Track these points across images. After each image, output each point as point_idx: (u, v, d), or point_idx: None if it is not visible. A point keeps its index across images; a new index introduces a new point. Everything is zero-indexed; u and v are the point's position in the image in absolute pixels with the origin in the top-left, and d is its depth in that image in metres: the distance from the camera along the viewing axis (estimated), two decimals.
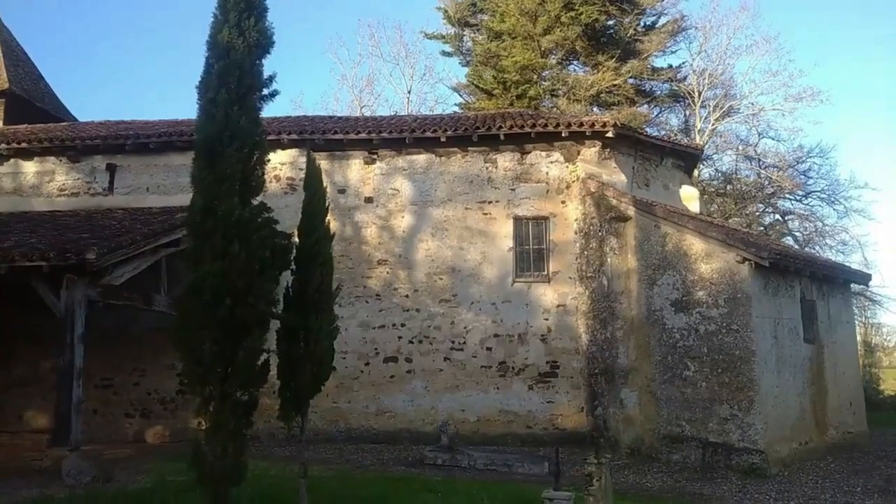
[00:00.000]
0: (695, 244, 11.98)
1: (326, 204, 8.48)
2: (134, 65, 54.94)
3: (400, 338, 13.82)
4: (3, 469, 9.56)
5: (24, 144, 14.91)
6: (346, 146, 14.36)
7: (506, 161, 14.11)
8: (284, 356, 7.85)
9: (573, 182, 13.88)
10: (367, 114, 28.81)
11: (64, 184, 14.99)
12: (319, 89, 53.05)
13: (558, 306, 13.58)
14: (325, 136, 14.24)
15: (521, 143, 14.01)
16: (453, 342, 13.68)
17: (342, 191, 14.32)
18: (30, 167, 15.07)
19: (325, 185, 8.89)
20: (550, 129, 13.67)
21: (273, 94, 7.83)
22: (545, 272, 13.78)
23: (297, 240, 8.33)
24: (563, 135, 13.72)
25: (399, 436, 13.27)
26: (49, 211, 14.35)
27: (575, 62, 27.24)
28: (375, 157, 14.43)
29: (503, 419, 13.31)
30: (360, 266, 14.11)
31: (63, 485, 8.84)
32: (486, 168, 14.13)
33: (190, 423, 12.06)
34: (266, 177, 12.41)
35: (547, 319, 13.55)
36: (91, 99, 50.99)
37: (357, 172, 14.47)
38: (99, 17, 54.10)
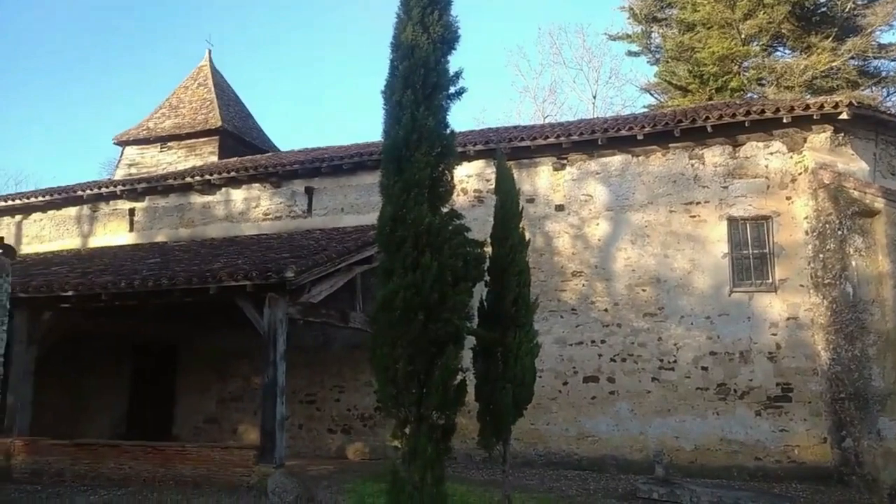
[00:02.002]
0: None
1: (520, 208, 7.79)
2: (336, 95, 58.90)
3: (600, 355, 12.71)
4: (214, 484, 9.86)
5: (232, 174, 15.93)
6: (533, 153, 13.63)
7: (715, 156, 12.53)
8: (482, 376, 7.22)
9: (799, 174, 11.97)
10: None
11: (268, 208, 15.77)
12: (501, 105, 53.11)
13: (788, 319, 11.69)
14: (512, 144, 13.59)
15: (732, 134, 12.36)
16: (662, 360, 12.29)
17: (531, 200, 13.54)
18: (238, 195, 16.04)
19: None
20: (769, 115, 11.89)
21: (460, 92, 7.25)
22: (769, 280, 11.96)
23: (489, 249, 7.70)
24: (784, 121, 11.87)
25: (604, 463, 12.13)
26: (255, 234, 15.15)
27: (782, 47, 24.45)
28: (565, 162, 13.53)
29: (725, 449, 11.66)
30: (552, 278, 13.23)
31: (269, 502, 8.86)
32: (692, 165, 12.65)
33: (388, 442, 11.88)
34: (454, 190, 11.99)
35: (775, 335, 11.71)
36: (293, 131, 55.30)
37: (546, 180, 13.66)
38: (305, 50, 58.77)
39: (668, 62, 24.80)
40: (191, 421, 15.16)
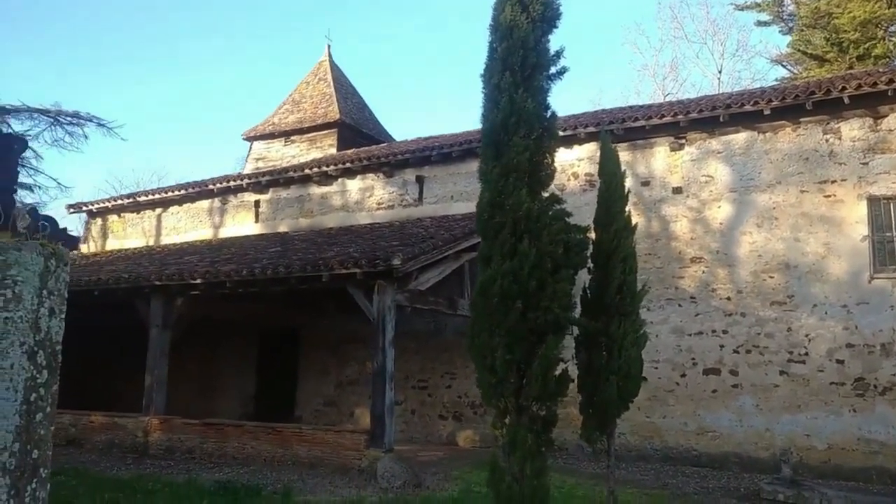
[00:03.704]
0: None
1: (626, 190, 7.43)
2: (453, 81, 59.38)
3: (722, 346, 11.99)
4: (328, 465, 10.22)
5: (348, 164, 16.38)
6: (648, 133, 13.01)
7: (853, 129, 11.42)
8: (584, 367, 6.97)
9: None
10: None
11: (381, 198, 16.09)
12: (619, 85, 51.18)
13: None
14: (625, 125, 13.05)
15: (873, 104, 11.21)
16: (791, 352, 11.42)
17: (646, 182, 12.97)
18: (354, 185, 16.48)
19: (626, 177, 7.88)
20: None
21: (561, 72, 6.97)
22: None
23: (593, 235, 7.41)
24: None
25: (725, 460, 11.48)
26: (369, 223, 15.52)
27: None
28: (683, 141, 12.82)
29: (863, 449, 10.68)
30: (669, 265, 12.62)
31: (377, 486, 9.07)
32: (826, 140, 11.60)
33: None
34: (564, 174, 11.76)
35: None
36: (409, 119, 56.22)
37: (662, 161, 13.01)
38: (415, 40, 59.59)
39: (802, 30, 22.99)
40: (311, 403, 15.83)
